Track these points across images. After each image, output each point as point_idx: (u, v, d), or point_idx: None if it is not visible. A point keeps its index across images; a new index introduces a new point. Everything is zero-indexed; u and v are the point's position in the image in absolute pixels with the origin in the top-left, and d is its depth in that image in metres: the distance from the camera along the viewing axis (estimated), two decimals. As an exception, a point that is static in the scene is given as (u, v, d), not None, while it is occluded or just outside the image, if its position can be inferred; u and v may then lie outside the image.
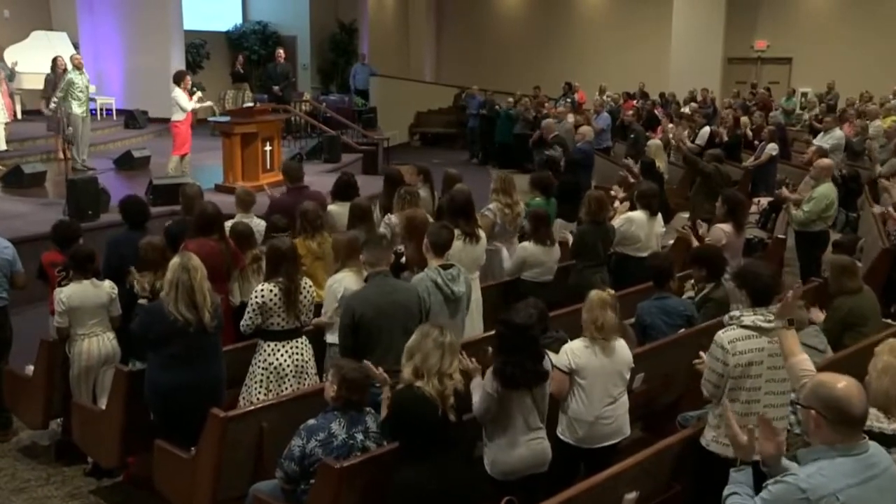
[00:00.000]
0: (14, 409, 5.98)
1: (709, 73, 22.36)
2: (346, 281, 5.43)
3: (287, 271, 5.25)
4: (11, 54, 16.02)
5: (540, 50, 26.38)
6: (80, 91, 12.71)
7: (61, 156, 14.08)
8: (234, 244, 6.20)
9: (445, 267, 5.15)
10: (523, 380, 4.07)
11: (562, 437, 4.54)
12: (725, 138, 13.57)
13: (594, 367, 4.46)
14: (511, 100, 19.41)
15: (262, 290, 5.20)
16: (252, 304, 5.20)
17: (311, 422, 4.11)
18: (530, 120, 17.22)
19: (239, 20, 22.79)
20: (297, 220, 6.54)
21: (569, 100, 20.39)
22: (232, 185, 11.75)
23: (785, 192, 8.88)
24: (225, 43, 22.20)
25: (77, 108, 12.68)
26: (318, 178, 13.50)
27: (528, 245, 6.74)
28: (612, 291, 4.67)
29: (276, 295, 5.18)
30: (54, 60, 14.02)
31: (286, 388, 5.24)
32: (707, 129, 13.21)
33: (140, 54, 18.28)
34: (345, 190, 7.61)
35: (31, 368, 5.84)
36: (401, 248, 6.07)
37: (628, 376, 4.65)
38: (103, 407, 5.40)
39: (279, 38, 22.34)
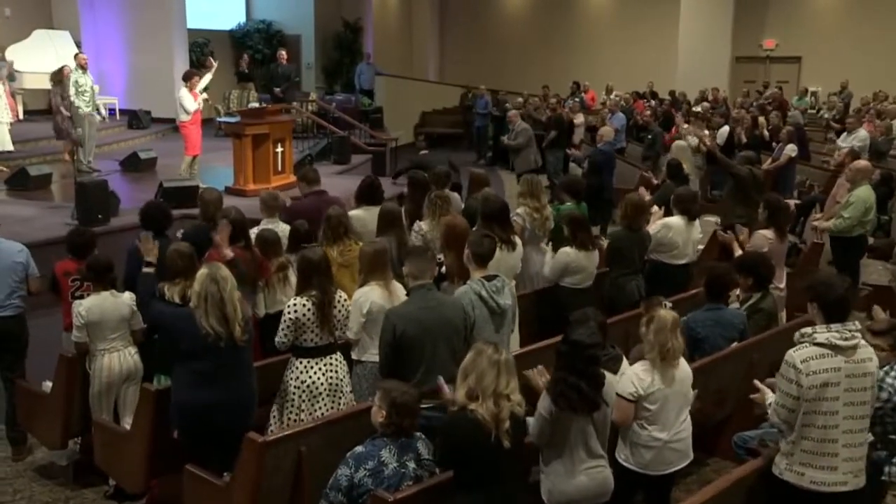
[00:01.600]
0: (30, 428, 5.68)
1: (717, 73, 22.11)
2: (372, 295, 5.15)
3: (320, 284, 4.96)
4: (13, 53, 15.72)
5: (544, 49, 26.13)
6: (86, 91, 12.42)
7: (66, 157, 13.82)
8: (259, 252, 5.91)
9: (489, 278, 4.86)
10: (578, 404, 3.79)
11: (625, 463, 4.24)
12: (744, 139, 13.29)
13: (662, 391, 4.17)
14: (520, 100, 19.15)
15: (294, 304, 4.91)
16: (285, 319, 4.90)
17: (359, 449, 3.82)
18: (541, 120, 16.89)
19: (242, 19, 22.47)
20: (321, 225, 6.27)
21: (577, 99, 20.13)
22: (243, 187, 11.49)
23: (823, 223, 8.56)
24: (228, 42, 21.87)
25: (84, 109, 12.40)
26: (329, 179, 13.23)
27: (569, 250, 6.44)
28: (675, 315, 4.34)
29: (308, 309, 4.89)
30: (60, 70, 13.68)
31: (320, 408, 4.95)
32: (725, 128, 12.94)
33: (143, 53, 17.98)
34: (369, 193, 7.31)
35: (47, 385, 5.54)
36: (440, 257, 5.76)
37: (692, 396, 4.37)
38: (127, 426, 5.13)
39: (283, 37, 22.03)
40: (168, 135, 18.02)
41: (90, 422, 5.37)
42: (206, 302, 4.45)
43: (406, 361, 4.43)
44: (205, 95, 12.73)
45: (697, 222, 7.30)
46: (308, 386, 4.94)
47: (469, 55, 26.88)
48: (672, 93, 20.35)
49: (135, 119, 17.44)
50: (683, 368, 4.29)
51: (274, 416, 5.04)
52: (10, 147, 12.40)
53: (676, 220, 7.14)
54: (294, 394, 4.94)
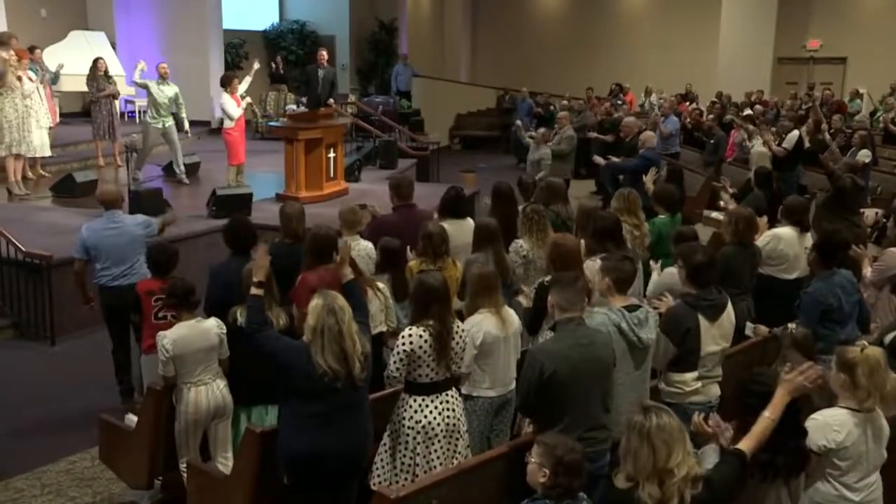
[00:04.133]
0: (112, 465, 5.21)
1: (759, 74, 21.56)
2: (485, 324, 4.74)
3: (438, 313, 4.46)
4: (50, 55, 15.30)
5: (579, 50, 25.57)
6: (163, 103, 12.24)
7: (100, 162, 13.46)
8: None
9: (630, 308, 4.36)
10: (785, 470, 3.27)
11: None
12: (806, 143, 12.70)
13: (858, 445, 3.63)
14: (565, 102, 18.66)
15: (409, 335, 4.41)
16: (398, 351, 4.41)
17: (518, 512, 3.35)
18: (593, 124, 16.29)
19: (275, 19, 22.05)
20: (420, 242, 5.82)
21: (619, 101, 19.61)
22: (295, 194, 11.02)
23: None
24: (262, 43, 21.46)
25: (152, 122, 12.19)
26: (380, 186, 12.75)
27: (674, 270, 5.93)
28: (880, 349, 3.78)
29: (426, 341, 4.40)
30: (95, 62, 13.36)
31: (436, 451, 4.45)
32: (795, 132, 12.35)
33: (178, 54, 17.46)
34: (455, 205, 6.83)
35: (131, 418, 5.08)
36: (547, 279, 5.26)
37: (885, 456, 3.81)
38: (221, 467, 4.67)
39: (317, 37, 21.60)
40: (204, 138, 17.63)
41: (174, 459, 4.93)
42: (322, 336, 3.97)
43: (551, 406, 3.92)
44: (248, 99, 12.37)
45: (809, 234, 6.80)
46: (424, 426, 4.44)
47: (501, 56, 26.34)
48: (719, 95, 19.75)
49: (171, 122, 16.99)
50: (885, 422, 3.76)
51: (382, 459, 4.55)
52: (49, 152, 11.96)
53: (787, 231, 6.64)
54: (408, 435, 4.45)
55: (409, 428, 4.46)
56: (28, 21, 16.04)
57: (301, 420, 4.06)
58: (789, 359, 4.65)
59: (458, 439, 4.55)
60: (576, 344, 3.99)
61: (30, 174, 11.69)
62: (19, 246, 7.85)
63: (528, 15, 26.87)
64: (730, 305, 4.81)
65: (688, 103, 19.82)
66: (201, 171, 13.31)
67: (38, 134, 11.19)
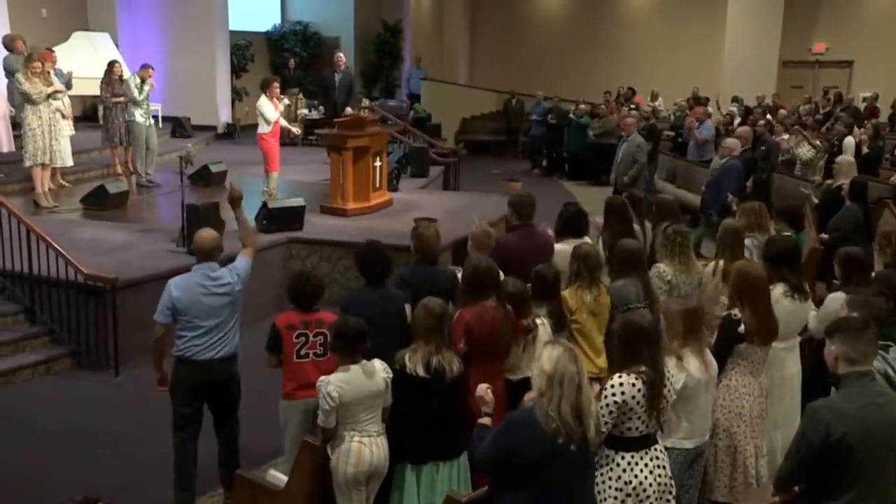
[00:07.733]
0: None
1: (764, 77, 21.25)
2: (688, 366, 4.30)
3: (650, 357, 3.91)
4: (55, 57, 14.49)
5: (581, 53, 25.15)
6: (142, 100, 11.91)
7: (118, 169, 12.74)
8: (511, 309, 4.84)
9: (884, 348, 3.83)
10: None
11: None
12: (864, 150, 12.37)
13: None
14: (583, 107, 18.20)
15: (620, 383, 3.83)
16: (607, 403, 3.83)
17: None
18: (614, 130, 15.77)
19: (277, 20, 21.29)
20: (573, 263, 5.28)
21: (633, 106, 19.18)
22: (342, 206, 10.39)
23: None
24: (265, 44, 20.73)
25: (140, 118, 11.87)
26: (417, 196, 12.16)
27: (841, 295, 5.43)
28: None
29: (639, 390, 3.83)
30: (110, 65, 12.63)
31: (647, 516, 3.92)
32: (850, 139, 12.01)
33: (183, 56, 16.82)
34: (576, 224, 6.29)
35: (275, 476, 4.44)
36: (734, 312, 4.73)
37: None
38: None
39: (321, 39, 20.92)
40: (212, 143, 16.92)
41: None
42: (561, 387, 3.39)
43: (834, 477, 3.38)
44: (286, 101, 11.77)
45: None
46: (634, 488, 3.88)
47: (501, 59, 25.83)
48: (735, 99, 19.39)
49: (178, 127, 16.26)
50: None
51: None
52: (71, 162, 11.19)
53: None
54: (616, 498, 3.89)
55: (616, 490, 3.90)
56: (29, 21, 15.15)
57: (534, 491, 3.47)
58: None
59: (668, 501, 4.01)
60: (871, 403, 3.41)
61: (51, 184, 10.92)
62: (80, 268, 7.12)
63: (529, 17, 26.38)
64: None
65: (700, 108, 19.44)
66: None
67: (64, 143, 10.48)
